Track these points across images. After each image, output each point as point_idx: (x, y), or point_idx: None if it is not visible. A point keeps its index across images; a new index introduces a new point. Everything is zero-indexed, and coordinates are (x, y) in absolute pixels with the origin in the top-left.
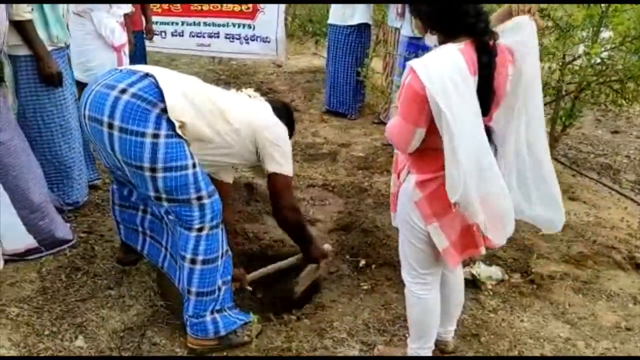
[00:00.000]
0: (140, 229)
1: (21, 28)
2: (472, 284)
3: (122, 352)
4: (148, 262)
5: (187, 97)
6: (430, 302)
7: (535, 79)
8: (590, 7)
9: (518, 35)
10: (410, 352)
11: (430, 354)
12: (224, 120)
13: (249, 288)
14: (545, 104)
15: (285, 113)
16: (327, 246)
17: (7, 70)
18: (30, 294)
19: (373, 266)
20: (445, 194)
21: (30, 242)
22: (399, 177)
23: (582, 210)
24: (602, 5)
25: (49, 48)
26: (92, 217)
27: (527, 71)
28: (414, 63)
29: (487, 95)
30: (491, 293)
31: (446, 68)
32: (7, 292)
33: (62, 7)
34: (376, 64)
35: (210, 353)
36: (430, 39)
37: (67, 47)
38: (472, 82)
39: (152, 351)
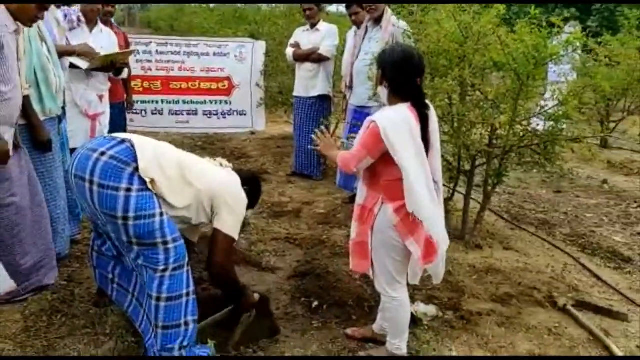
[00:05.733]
0: (110, 275)
1: None
2: (411, 320)
3: None
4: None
5: (157, 159)
6: (406, 301)
7: (436, 130)
8: (505, 84)
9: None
10: (393, 347)
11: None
12: (186, 183)
13: None
14: (477, 166)
15: (252, 184)
16: (256, 295)
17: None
18: (14, 332)
19: (325, 307)
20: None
21: (12, 286)
22: (368, 215)
23: (513, 257)
24: (518, 81)
25: (42, 118)
26: (72, 267)
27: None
28: (375, 117)
29: (425, 140)
30: (426, 328)
31: (399, 120)
32: None
33: (55, 84)
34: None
35: None
36: (382, 92)
37: (58, 117)
38: (417, 130)
39: None
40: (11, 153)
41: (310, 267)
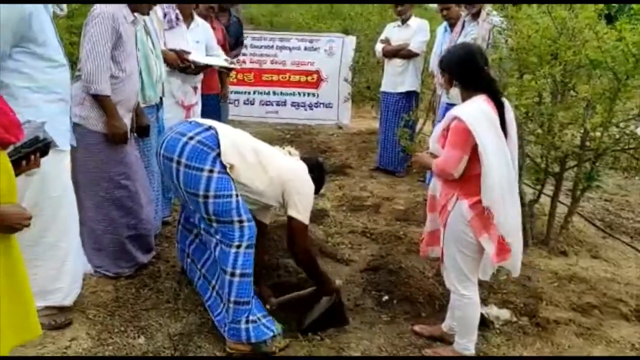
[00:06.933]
0: (186, 250)
1: None
2: (482, 322)
3: (174, 352)
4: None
5: (236, 146)
6: (476, 300)
7: (513, 119)
8: (602, 84)
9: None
10: (460, 346)
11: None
12: (261, 169)
13: (268, 307)
14: (567, 168)
15: (318, 171)
16: (338, 281)
17: None
18: (106, 300)
19: (395, 301)
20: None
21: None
22: (441, 211)
23: (601, 267)
24: (615, 80)
25: (142, 105)
26: (162, 246)
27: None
28: (456, 112)
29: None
30: (498, 332)
31: (480, 111)
32: (88, 298)
33: (156, 74)
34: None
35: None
36: (454, 93)
37: (156, 105)
38: (497, 121)
39: (197, 352)
40: (128, 136)
41: (384, 262)
